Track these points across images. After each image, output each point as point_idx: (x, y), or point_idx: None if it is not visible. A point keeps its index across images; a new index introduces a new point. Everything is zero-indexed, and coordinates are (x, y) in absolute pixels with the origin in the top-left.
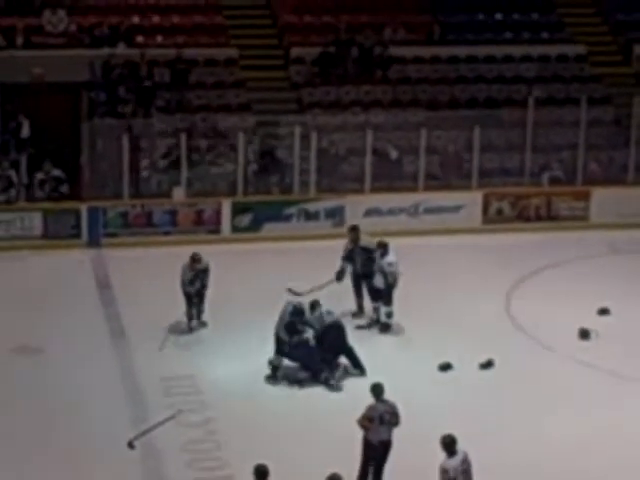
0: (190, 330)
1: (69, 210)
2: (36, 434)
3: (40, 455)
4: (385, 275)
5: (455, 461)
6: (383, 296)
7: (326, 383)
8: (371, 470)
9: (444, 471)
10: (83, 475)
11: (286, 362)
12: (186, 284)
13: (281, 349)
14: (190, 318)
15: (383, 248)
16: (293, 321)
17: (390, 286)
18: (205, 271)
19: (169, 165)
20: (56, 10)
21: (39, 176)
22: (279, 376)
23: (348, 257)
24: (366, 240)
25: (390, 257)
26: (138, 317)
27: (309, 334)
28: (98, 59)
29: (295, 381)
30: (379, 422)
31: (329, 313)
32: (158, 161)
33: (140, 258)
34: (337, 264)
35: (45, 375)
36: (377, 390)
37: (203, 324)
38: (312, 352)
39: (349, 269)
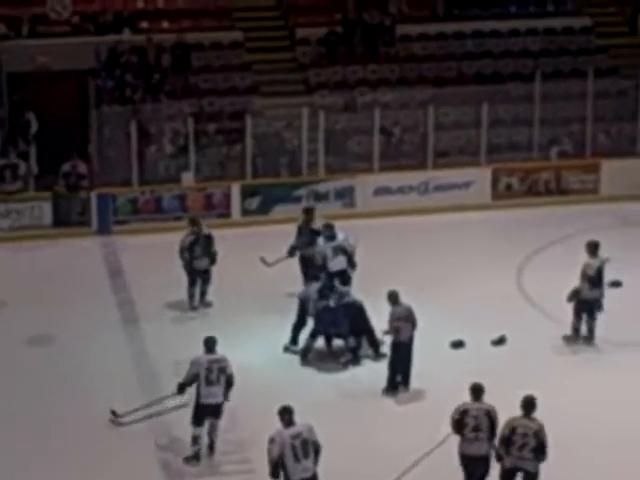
0: (194, 309)
1: (78, 198)
2: (50, 423)
3: (54, 444)
4: (349, 254)
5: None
6: (346, 277)
7: (354, 352)
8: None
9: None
10: (97, 461)
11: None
12: (184, 251)
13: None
14: (191, 297)
15: (330, 230)
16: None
17: (354, 265)
18: (209, 238)
19: (177, 150)
20: None
21: (65, 168)
22: (310, 358)
23: (297, 236)
24: (318, 224)
25: (342, 235)
26: (150, 303)
27: (332, 301)
28: (104, 46)
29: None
30: (404, 321)
31: (347, 293)
32: (166, 146)
33: (151, 244)
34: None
35: (58, 364)
36: (393, 297)
37: (207, 304)
38: (338, 316)
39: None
